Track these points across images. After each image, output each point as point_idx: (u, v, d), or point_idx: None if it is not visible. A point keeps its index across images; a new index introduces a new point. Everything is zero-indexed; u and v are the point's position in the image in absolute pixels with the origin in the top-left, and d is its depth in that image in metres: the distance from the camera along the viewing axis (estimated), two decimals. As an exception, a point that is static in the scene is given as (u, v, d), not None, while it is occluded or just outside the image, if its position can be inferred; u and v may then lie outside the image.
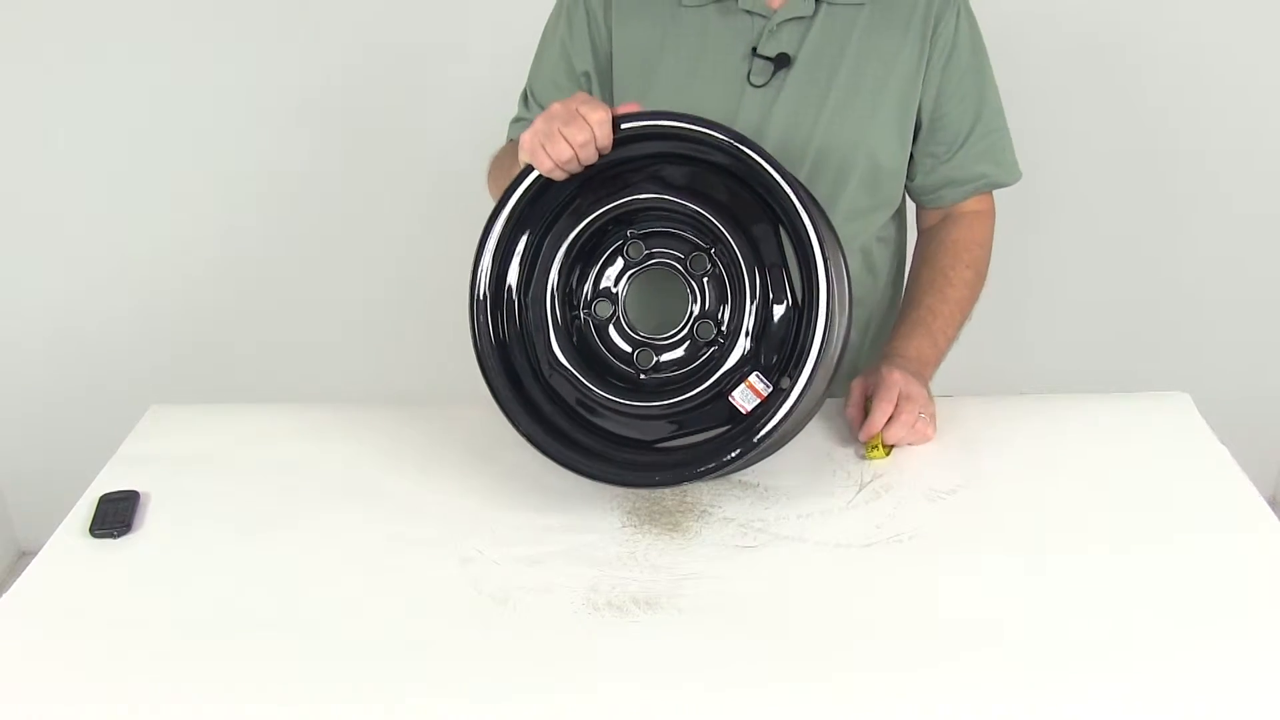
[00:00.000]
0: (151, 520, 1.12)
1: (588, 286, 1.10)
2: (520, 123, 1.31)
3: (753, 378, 1.04)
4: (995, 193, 1.33)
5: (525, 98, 1.31)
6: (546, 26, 1.28)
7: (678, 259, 1.08)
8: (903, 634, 0.93)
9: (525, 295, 1.10)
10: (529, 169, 1.06)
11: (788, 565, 1.02)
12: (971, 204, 1.31)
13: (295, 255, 2.07)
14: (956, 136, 1.24)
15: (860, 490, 1.13)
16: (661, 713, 0.85)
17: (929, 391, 1.19)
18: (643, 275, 1.10)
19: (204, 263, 2.06)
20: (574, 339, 1.10)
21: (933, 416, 1.17)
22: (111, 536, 1.08)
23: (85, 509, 1.12)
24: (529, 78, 1.30)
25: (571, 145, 1.01)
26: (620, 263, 1.10)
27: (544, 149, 1.02)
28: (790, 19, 1.18)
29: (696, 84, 1.20)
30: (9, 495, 2.31)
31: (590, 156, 1.03)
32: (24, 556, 2.32)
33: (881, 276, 1.35)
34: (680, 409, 1.08)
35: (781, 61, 1.18)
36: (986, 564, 1.01)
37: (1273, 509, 1.07)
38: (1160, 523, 1.06)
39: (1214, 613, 0.94)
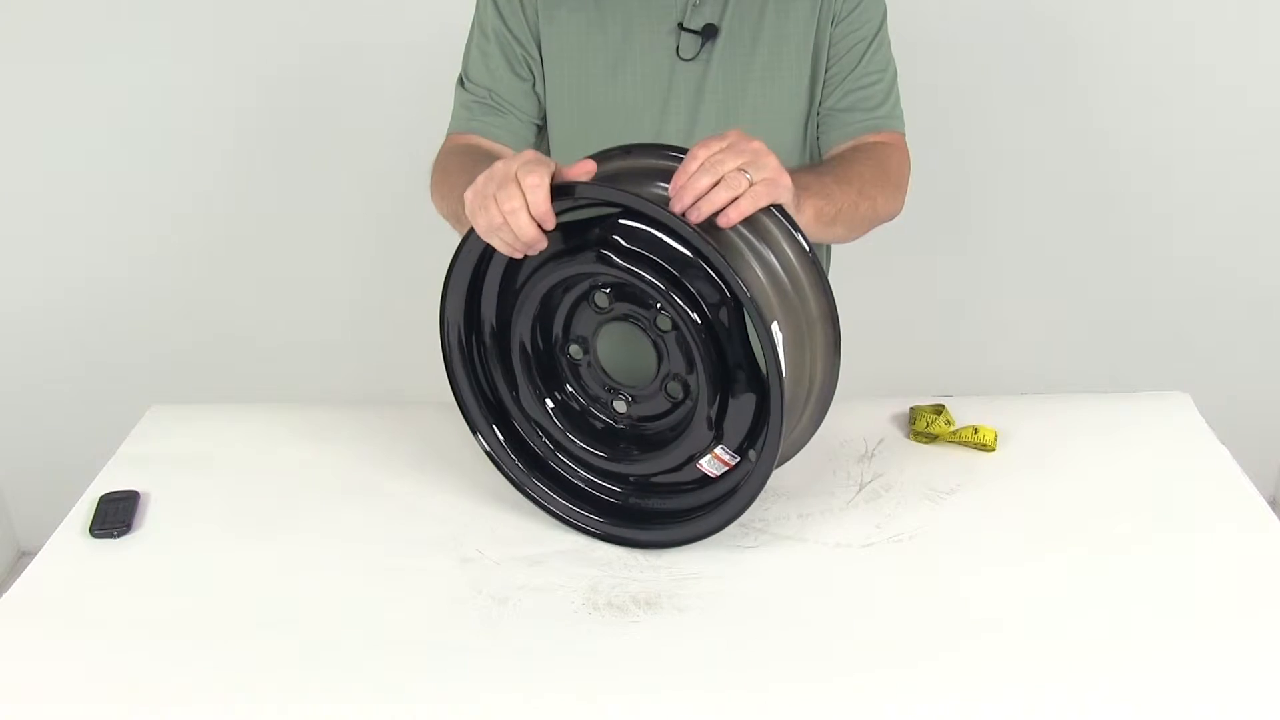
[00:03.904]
0: (151, 520, 1.12)
1: (558, 332, 1.06)
2: (464, 106, 1.27)
3: (719, 450, 1.01)
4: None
5: (461, 83, 1.29)
6: (475, 21, 1.28)
7: (643, 314, 1.00)
8: (903, 633, 0.93)
9: (496, 343, 1.08)
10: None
11: (787, 565, 1.02)
12: (869, 137, 1.28)
13: (296, 255, 2.07)
14: (834, 78, 1.25)
15: (860, 490, 1.13)
16: (662, 713, 0.85)
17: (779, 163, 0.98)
18: (615, 324, 1.03)
19: (204, 263, 2.06)
20: (551, 388, 1.08)
21: (770, 171, 0.96)
22: (111, 536, 1.08)
23: (85, 509, 1.12)
24: (463, 64, 1.29)
25: (501, 211, 0.91)
26: (590, 310, 1.03)
27: (478, 214, 0.94)
28: None
29: (627, 64, 1.21)
30: (9, 495, 2.31)
31: (523, 225, 0.91)
32: (24, 556, 2.32)
33: (820, 254, 1.35)
34: (650, 474, 1.07)
35: (708, 33, 1.20)
36: (986, 563, 1.01)
37: (1273, 509, 1.07)
38: (1160, 523, 1.06)
39: (1214, 613, 0.94)
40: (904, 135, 1.29)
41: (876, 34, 1.24)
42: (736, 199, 0.93)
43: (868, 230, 1.21)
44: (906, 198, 1.27)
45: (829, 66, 1.24)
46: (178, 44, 1.88)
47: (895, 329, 2.06)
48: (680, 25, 1.20)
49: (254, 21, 1.86)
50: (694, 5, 1.20)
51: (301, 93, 1.93)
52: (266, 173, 1.99)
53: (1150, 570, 0.99)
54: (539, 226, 0.92)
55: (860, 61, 1.24)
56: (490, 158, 1.17)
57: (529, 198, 0.90)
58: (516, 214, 0.91)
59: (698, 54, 1.20)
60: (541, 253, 0.97)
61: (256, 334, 2.14)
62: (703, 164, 0.93)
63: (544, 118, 1.28)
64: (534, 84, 1.26)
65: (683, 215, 0.92)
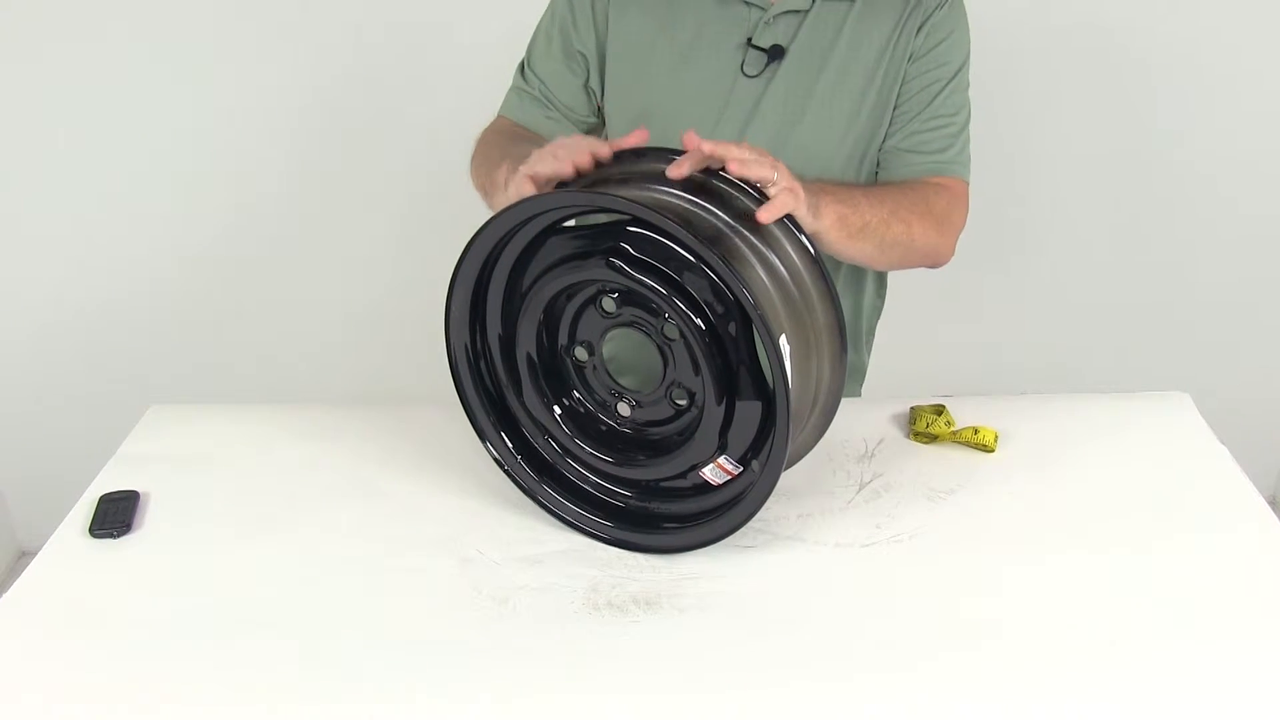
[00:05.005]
0: (151, 520, 1.12)
1: (564, 336, 1.06)
2: (518, 93, 1.31)
3: (722, 459, 1.00)
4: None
5: (522, 68, 1.31)
6: (550, 1, 1.30)
7: (650, 321, 0.99)
8: (902, 634, 0.93)
9: (503, 349, 1.08)
10: (490, 222, 0.99)
11: (787, 565, 1.02)
12: (929, 180, 1.25)
13: (295, 255, 2.07)
14: (901, 116, 1.22)
15: (860, 490, 1.13)
16: (662, 713, 0.85)
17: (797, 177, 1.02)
18: (622, 329, 1.03)
19: (204, 263, 2.06)
20: (558, 394, 1.08)
21: (787, 181, 0.99)
22: (111, 536, 1.08)
23: (85, 509, 1.12)
24: (528, 48, 1.31)
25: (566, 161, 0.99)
26: (596, 315, 1.03)
27: (547, 160, 1.00)
28: (786, 11, 1.19)
29: (688, 71, 1.21)
30: (9, 495, 2.31)
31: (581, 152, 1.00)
32: (24, 556, 2.32)
33: (868, 277, 1.34)
34: (651, 480, 1.06)
35: (775, 53, 1.19)
36: (986, 564, 1.01)
37: (1273, 509, 1.07)
38: (1160, 523, 1.06)
39: (1214, 613, 0.94)
40: (967, 184, 1.25)
41: (954, 77, 1.22)
42: (771, 198, 0.97)
43: (904, 258, 1.18)
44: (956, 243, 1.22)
45: (899, 104, 1.22)
46: (179, 49, 1.88)
47: (895, 329, 2.06)
48: (749, 41, 1.19)
49: (258, 31, 1.86)
50: (766, 23, 1.19)
51: (304, 94, 1.93)
52: (267, 173, 1.99)
53: (1150, 570, 0.99)
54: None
55: (931, 102, 1.21)
56: (532, 138, 1.20)
57: (593, 147, 1.00)
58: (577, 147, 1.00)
59: (761, 72, 1.19)
60: (549, 258, 1.01)
61: (256, 334, 2.14)
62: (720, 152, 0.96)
63: (598, 115, 1.29)
64: (587, 80, 1.26)
65: (711, 230, 0.94)
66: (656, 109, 1.21)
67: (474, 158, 1.26)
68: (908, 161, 1.23)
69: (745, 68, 1.20)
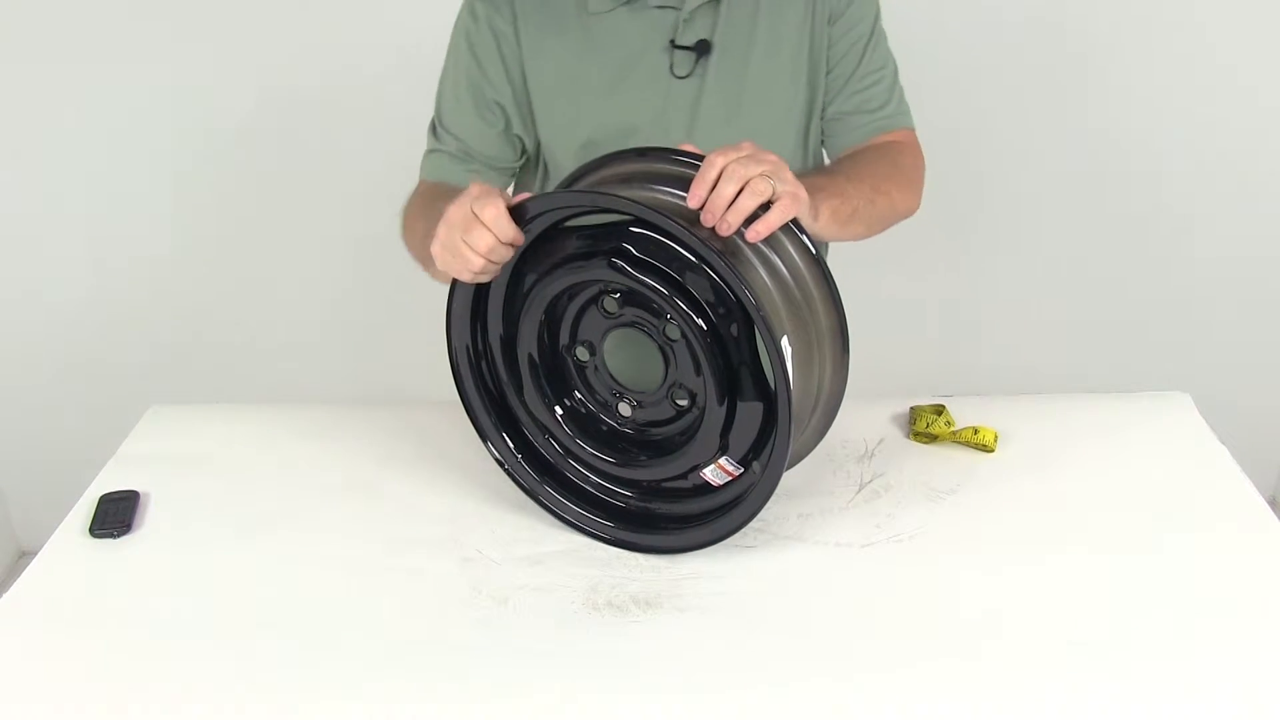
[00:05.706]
0: (151, 520, 1.12)
1: (565, 335, 1.05)
2: (434, 154, 1.25)
3: (723, 460, 1.00)
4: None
5: (434, 128, 1.26)
6: (448, 54, 1.23)
7: (652, 321, 0.99)
8: (902, 633, 0.93)
9: (504, 349, 1.08)
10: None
11: (787, 565, 1.02)
12: (880, 138, 1.25)
13: (296, 255, 2.07)
14: (836, 80, 1.23)
15: (860, 490, 1.13)
16: (660, 712, 0.85)
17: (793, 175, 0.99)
18: (624, 329, 1.03)
19: (204, 263, 2.06)
20: (559, 395, 1.08)
21: (790, 184, 0.96)
22: (111, 536, 1.08)
23: (85, 509, 1.12)
24: (436, 108, 1.25)
25: (478, 252, 0.96)
26: (598, 314, 1.03)
27: (454, 263, 0.98)
28: (701, 4, 1.18)
29: (622, 88, 1.19)
30: (9, 495, 2.31)
31: (503, 255, 0.98)
32: (24, 556, 2.32)
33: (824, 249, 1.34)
34: (652, 480, 1.06)
35: (702, 49, 1.18)
36: (986, 564, 1.01)
37: (1273, 509, 1.07)
38: (1160, 522, 1.06)
39: (1214, 613, 0.94)
40: (914, 130, 1.26)
41: (873, 30, 1.22)
42: (764, 214, 0.93)
43: (886, 226, 1.19)
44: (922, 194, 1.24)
45: (830, 69, 1.22)
46: (178, 48, 1.88)
47: (895, 329, 2.06)
48: (673, 43, 1.18)
49: (252, 25, 1.86)
50: (685, 21, 1.17)
51: (300, 92, 1.93)
52: (266, 172, 1.99)
53: (1150, 570, 0.99)
54: (512, 245, 0.98)
55: (861, 60, 1.21)
56: (451, 194, 1.13)
57: (494, 230, 0.95)
58: (495, 250, 0.96)
59: (692, 70, 1.18)
60: (551, 258, 1.00)
61: (256, 334, 2.14)
62: (723, 171, 0.93)
63: (523, 157, 1.25)
64: (506, 127, 1.22)
65: (712, 228, 0.92)
66: (599, 133, 1.18)
67: (404, 231, 1.21)
68: (855, 124, 1.23)
69: (675, 70, 1.18)
